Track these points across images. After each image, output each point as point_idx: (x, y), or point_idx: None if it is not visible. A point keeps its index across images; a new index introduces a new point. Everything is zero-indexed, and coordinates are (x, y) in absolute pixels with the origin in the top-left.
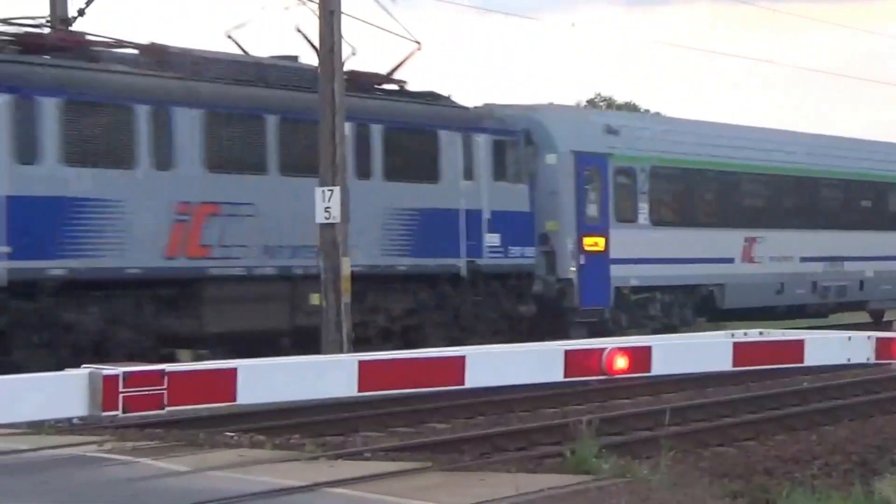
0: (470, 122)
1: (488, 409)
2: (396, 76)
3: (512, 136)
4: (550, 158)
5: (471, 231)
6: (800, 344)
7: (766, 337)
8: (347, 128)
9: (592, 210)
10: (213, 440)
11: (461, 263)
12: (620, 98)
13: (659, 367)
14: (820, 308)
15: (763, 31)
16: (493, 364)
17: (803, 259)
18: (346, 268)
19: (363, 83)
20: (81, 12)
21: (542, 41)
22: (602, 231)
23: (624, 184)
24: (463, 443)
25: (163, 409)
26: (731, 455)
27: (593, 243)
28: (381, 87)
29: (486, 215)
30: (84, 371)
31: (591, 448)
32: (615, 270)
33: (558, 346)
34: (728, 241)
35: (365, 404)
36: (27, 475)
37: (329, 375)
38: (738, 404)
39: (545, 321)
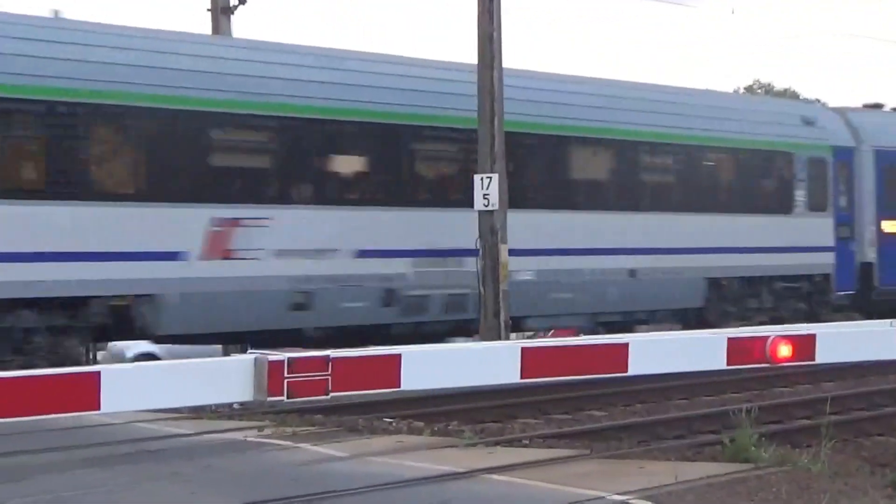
0: None
1: (646, 397)
2: None
3: None
4: None
5: None
6: None
7: None
8: None
9: None
10: (372, 426)
11: None
12: (780, 85)
13: (823, 355)
14: (415, 330)
15: None
16: (656, 352)
17: (364, 253)
18: (504, 254)
19: None
20: (243, 1)
21: (703, 28)
22: None
23: None
24: (621, 430)
25: (327, 394)
26: (892, 444)
27: None
28: None
29: None
30: (249, 357)
31: (750, 436)
32: None
33: (721, 334)
34: (168, 223)
35: (523, 391)
36: (190, 459)
37: (492, 362)
38: None
39: None
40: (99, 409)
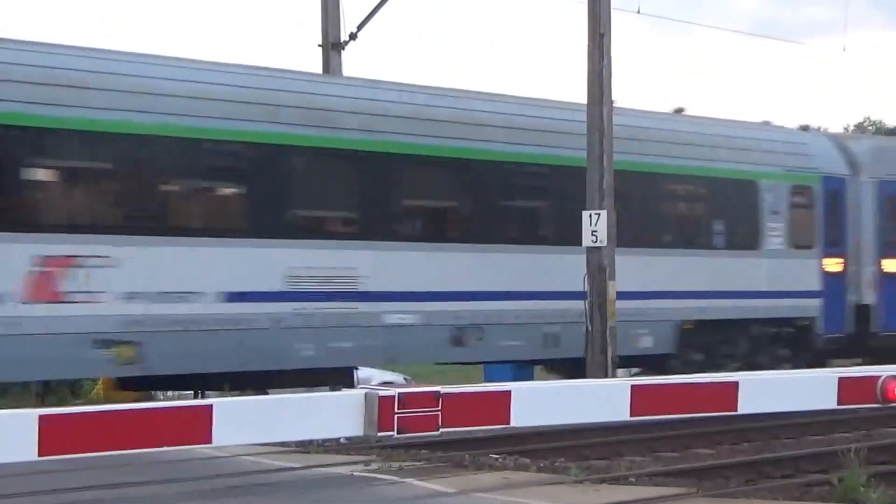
0: None
1: (753, 436)
2: None
3: None
4: None
5: None
6: None
7: None
8: None
9: None
10: (479, 462)
11: None
12: (890, 122)
13: None
14: None
15: None
16: (766, 390)
17: None
18: (612, 291)
19: None
20: (353, 36)
21: (813, 66)
22: None
23: None
24: (728, 469)
25: (437, 430)
26: None
27: None
28: None
29: None
30: (360, 391)
31: (860, 477)
32: None
33: (832, 374)
34: None
35: (629, 428)
36: (298, 493)
37: (602, 399)
38: None
39: None
40: (211, 442)
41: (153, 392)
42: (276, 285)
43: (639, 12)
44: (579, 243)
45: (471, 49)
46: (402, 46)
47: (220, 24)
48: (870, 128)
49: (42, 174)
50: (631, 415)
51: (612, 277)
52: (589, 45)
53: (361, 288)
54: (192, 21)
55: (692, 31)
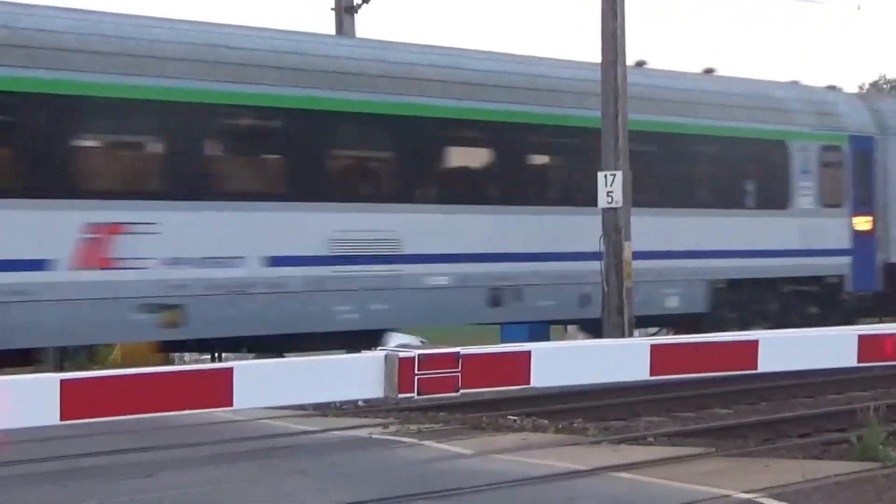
0: None
1: (771, 395)
2: None
3: None
4: None
5: None
6: None
7: None
8: None
9: None
10: (497, 423)
11: None
12: None
13: None
14: None
15: None
16: (786, 349)
17: None
18: (628, 252)
19: None
20: None
21: (828, 24)
22: None
23: None
24: (746, 428)
25: (457, 391)
26: None
27: None
28: None
29: None
30: (380, 353)
31: (878, 435)
32: None
33: (852, 331)
34: None
35: (647, 389)
36: (317, 456)
37: (621, 359)
38: None
39: None
40: (232, 405)
41: (170, 355)
42: None
43: None
44: None
45: (486, 10)
46: (416, 10)
47: None
48: (885, 86)
49: None
50: (651, 374)
51: (629, 238)
52: (602, 6)
53: None
54: None
55: None
